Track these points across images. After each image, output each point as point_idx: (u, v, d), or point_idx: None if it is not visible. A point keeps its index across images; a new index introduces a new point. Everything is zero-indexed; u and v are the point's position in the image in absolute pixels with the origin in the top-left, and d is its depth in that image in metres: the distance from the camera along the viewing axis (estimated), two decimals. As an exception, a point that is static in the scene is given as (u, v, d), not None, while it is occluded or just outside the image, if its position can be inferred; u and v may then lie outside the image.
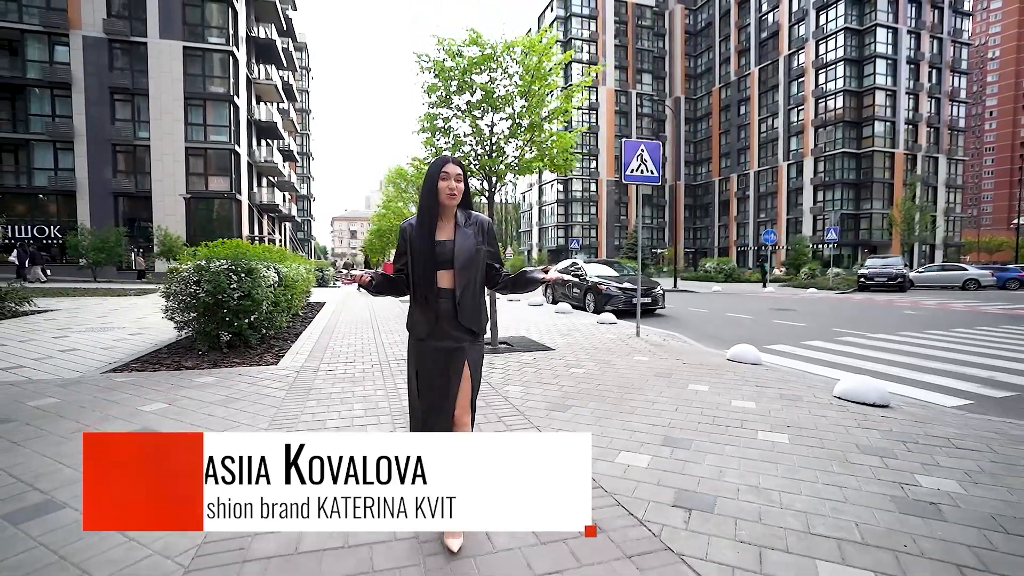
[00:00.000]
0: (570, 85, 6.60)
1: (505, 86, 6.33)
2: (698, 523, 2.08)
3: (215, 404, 3.80)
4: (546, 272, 2.09)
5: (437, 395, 1.93)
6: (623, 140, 6.91)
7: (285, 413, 3.60)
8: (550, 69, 6.03)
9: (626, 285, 10.79)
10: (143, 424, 3.31)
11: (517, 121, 6.34)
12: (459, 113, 6.25)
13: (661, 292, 11.31)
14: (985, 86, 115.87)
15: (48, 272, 20.62)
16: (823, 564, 1.80)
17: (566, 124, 7.09)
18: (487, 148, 6.29)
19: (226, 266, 5.77)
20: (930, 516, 2.15)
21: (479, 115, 6.36)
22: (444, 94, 6.18)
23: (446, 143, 6.24)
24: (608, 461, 2.73)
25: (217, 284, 5.58)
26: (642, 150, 7.12)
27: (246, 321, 5.94)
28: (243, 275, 5.84)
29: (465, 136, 6.30)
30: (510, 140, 6.44)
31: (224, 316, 5.76)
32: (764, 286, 24.83)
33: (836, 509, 2.21)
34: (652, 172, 7.20)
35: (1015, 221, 50.61)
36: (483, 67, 6.16)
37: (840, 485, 2.45)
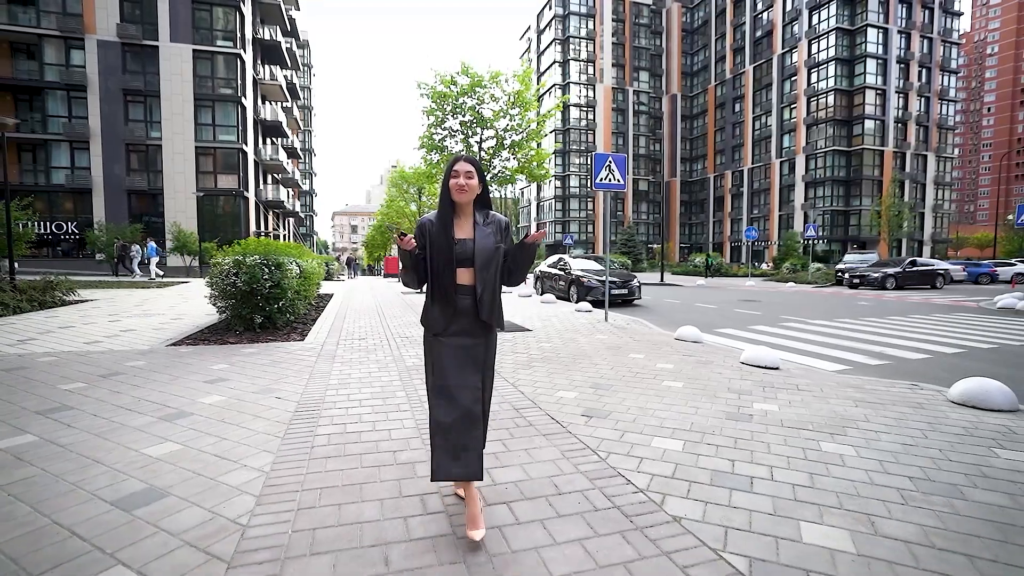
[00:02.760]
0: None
1: (492, 109, 7.54)
2: (593, 423, 3.32)
3: (264, 365, 5.04)
4: (541, 231, 2.14)
5: (455, 390, 1.97)
6: (592, 153, 8.10)
7: (319, 371, 4.83)
8: (530, 97, 7.22)
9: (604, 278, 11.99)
10: (217, 376, 4.55)
11: (502, 139, 7.54)
12: (452, 132, 7.45)
13: (638, 284, 12.53)
14: (983, 82, 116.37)
15: (16, 266, 20.97)
16: (657, 439, 3.04)
17: (549, 134, 8.28)
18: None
19: (259, 261, 6.98)
20: (743, 421, 3.39)
21: (469, 133, 7.57)
22: (440, 116, 7.39)
23: (438, 159, 7.45)
24: (548, 396, 3.97)
25: (252, 275, 6.78)
26: (610, 162, 8.32)
27: (275, 306, 7.16)
28: (273, 268, 7.05)
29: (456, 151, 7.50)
30: (498, 154, 7.65)
31: (257, 302, 6.98)
32: (706, 278, 26.33)
33: (686, 417, 3.45)
34: (619, 180, 8.40)
35: (1008, 217, 51.54)
36: (472, 93, 7.36)
37: (698, 408, 3.68)
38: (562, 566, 1.77)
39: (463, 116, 7.43)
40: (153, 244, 19.94)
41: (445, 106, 7.33)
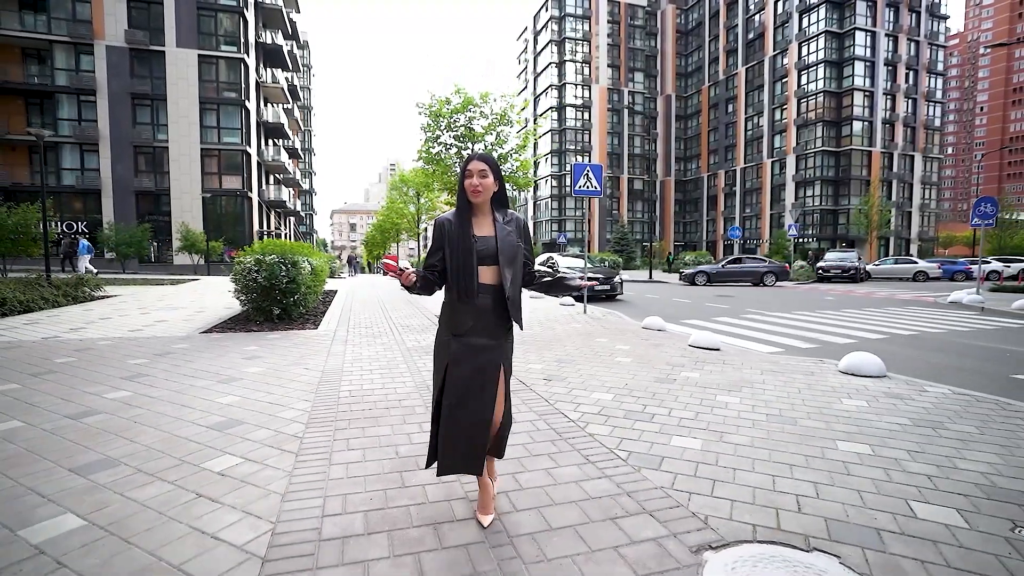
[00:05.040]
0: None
1: (481, 125, 8.53)
2: (551, 384, 4.33)
3: (289, 347, 6.04)
4: (583, 279, 2.17)
5: (472, 392, 1.92)
6: (572, 164, 9.10)
7: (335, 351, 5.83)
8: (513, 117, 8.21)
9: (589, 275, 13.02)
10: (252, 354, 5.54)
11: (490, 152, 8.52)
12: (447, 147, 8.44)
13: (619, 281, 13.55)
14: (976, 82, 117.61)
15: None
16: (596, 393, 4.04)
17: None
18: (467, 172, 8.53)
19: (277, 259, 7.96)
20: (667, 383, 4.39)
21: (462, 146, 8.56)
22: (436, 132, 8.38)
23: (434, 170, 8.45)
24: (520, 367, 4.97)
25: (272, 272, 7.76)
26: (588, 171, 9.31)
27: (291, 299, 8.14)
28: (289, 266, 8.02)
29: (451, 163, 8.51)
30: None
31: (276, 296, 7.96)
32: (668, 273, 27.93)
33: (623, 380, 4.45)
34: (595, 187, 9.40)
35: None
36: (463, 112, 8.35)
37: (636, 375, 4.69)
38: (509, 454, 2.77)
39: (456, 131, 8.42)
40: (84, 242, 19.07)
41: (440, 123, 8.31)
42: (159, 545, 1.88)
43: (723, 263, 21.56)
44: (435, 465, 2.07)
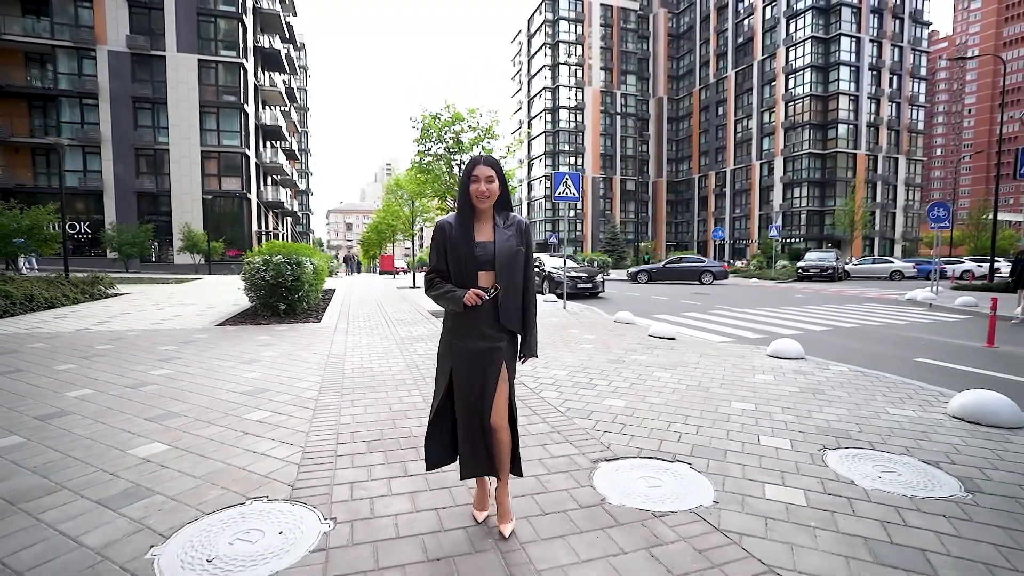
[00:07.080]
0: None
1: (469, 138, 9.38)
2: (519, 364, 5.18)
3: (296, 337, 6.87)
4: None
5: (474, 396, 1.95)
6: (553, 172, 9.95)
7: (337, 340, 6.67)
8: (499, 132, 9.06)
9: (573, 274, 13.90)
10: (265, 342, 6.37)
11: (477, 161, 9.39)
12: (437, 157, 9.28)
13: (601, 279, 14.45)
14: (964, 84, 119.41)
15: (34, 262, 21.23)
16: (554, 370, 4.90)
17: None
18: (456, 180, 9.33)
19: (283, 259, 8.77)
20: (617, 363, 5.26)
21: (451, 155, 9.40)
22: (427, 145, 9.22)
23: (426, 179, 9.29)
24: (497, 352, 5.84)
25: (278, 271, 8.58)
26: (567, 179, 10.18)
27: (296, 296, 8.96)
28: (294, 265, 8.85)
29: (441, 173, 9.35)
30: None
31: (282, 293, 8.78)
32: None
33: (580, 361, 5.32)
34: (574, 194, 10.27)
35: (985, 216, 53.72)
36: (452, 125, 9.19)
37: (592, 357, 5.55)
38: (476, 410, 3.63)
39: (446, 143, 9.26)
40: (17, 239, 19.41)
41: (431, 135, 9.15)
42: (226, 458, 2.73)
43: (664, 263, 23.29)
44: (427, 455, 2.13)
